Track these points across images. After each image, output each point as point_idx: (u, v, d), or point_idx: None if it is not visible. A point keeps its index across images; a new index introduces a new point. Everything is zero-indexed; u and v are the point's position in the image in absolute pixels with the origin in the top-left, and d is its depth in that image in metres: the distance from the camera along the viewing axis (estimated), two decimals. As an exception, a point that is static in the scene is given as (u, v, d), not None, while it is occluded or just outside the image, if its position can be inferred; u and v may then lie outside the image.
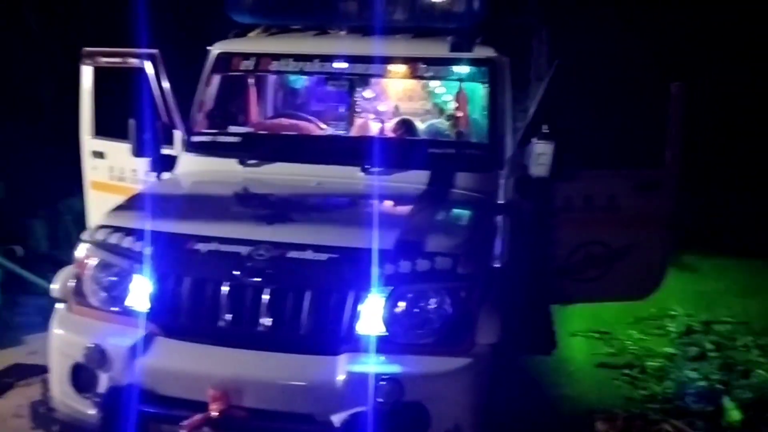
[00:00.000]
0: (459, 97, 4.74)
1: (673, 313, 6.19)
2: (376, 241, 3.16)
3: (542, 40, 5.64)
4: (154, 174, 4.57)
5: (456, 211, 3.83)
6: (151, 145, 4.46)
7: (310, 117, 4.99)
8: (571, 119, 4.18)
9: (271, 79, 5.24)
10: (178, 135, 4.67)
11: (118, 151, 5.10)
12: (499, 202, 4.03)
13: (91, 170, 5.38)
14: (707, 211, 7.72)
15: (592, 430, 4.36)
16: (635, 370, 5.22)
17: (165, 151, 4.56)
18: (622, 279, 4.40)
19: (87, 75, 5.38)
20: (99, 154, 5.31)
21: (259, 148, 4.32)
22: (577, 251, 4.31)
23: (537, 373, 4.72)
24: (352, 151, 4.13)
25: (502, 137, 4.13)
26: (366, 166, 4.05)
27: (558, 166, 3.87)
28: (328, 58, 4.42)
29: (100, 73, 5.36)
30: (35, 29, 7.19)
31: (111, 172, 5.25)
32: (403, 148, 4.22)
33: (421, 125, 4.74)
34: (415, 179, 4.01)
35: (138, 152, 4.41)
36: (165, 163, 4.53)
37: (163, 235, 3.35)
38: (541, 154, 3.91)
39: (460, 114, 4.70)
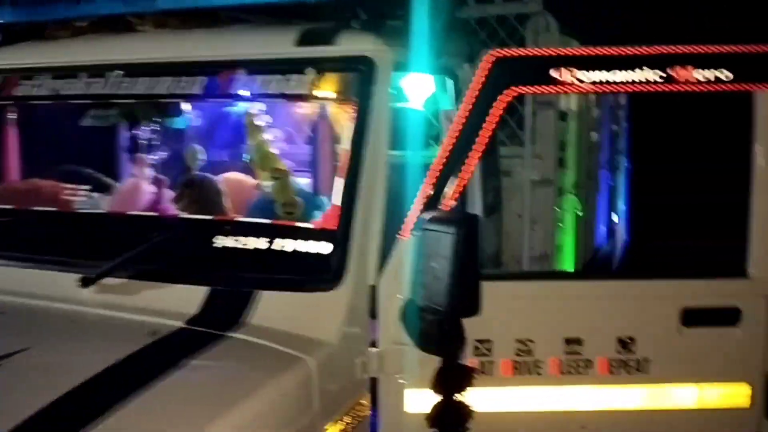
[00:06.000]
0: (311, 131, 2.58)
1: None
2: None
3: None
4: None
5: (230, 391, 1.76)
6: None
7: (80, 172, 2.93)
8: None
9: (26, 110, 3.22)
10: None
11: None
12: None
13: None
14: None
15: None
16: None
17: None
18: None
19: None
20: None
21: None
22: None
23: None
24: (78, 242, 2.09)
25: (365, 213, 1.99)
26: (92, 276, 2.02)
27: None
28: (97, 71, 2.42)
29: None
30: None
31: None
32: (174, 235, 2.15)
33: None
34: (178, 302, 1.96)
35: None
36: None
37: None
38: (440, 247, 1.82)
39: (302, 164, 2.55)
